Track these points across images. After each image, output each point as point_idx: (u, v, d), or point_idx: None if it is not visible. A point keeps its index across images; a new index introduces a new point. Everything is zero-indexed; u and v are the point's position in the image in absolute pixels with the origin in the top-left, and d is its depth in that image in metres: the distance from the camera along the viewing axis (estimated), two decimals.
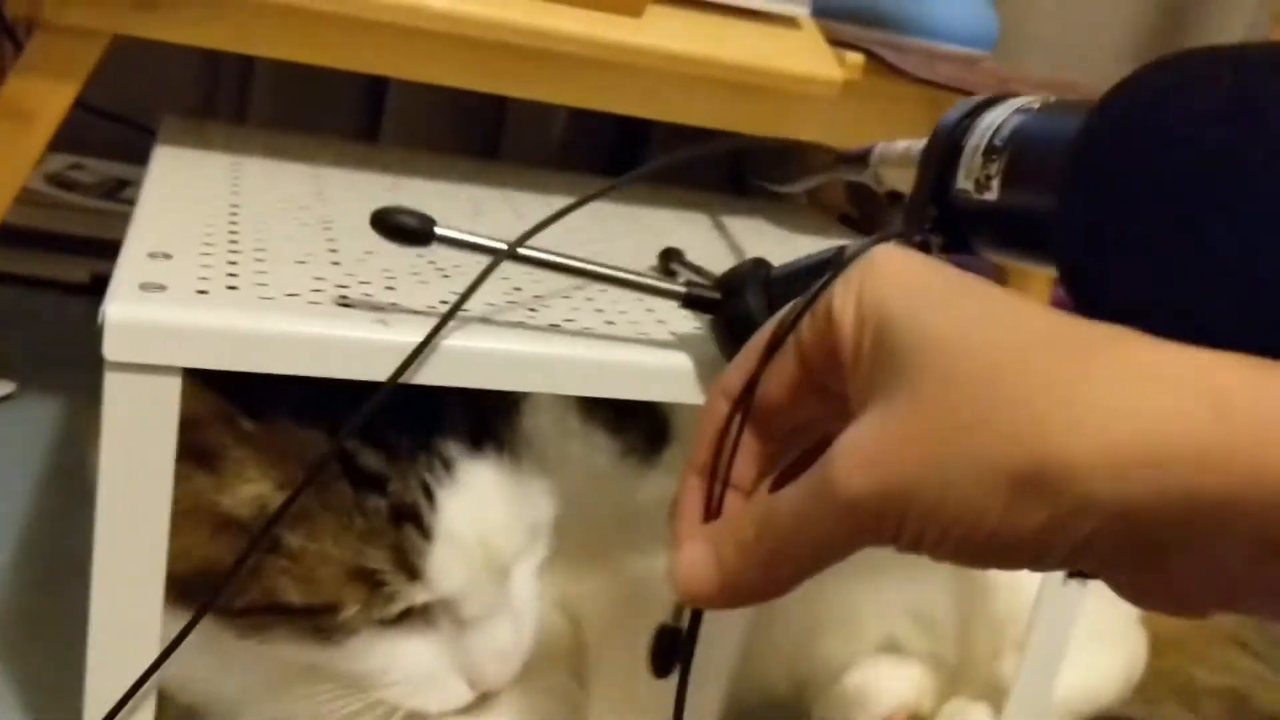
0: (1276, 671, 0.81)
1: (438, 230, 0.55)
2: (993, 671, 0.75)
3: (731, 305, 0.57)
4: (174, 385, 0.52)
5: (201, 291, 0.55)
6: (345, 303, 0.57)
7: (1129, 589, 0.36)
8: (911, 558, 0.78)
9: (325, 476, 0.54)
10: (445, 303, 0.60)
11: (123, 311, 0.51)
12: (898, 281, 0.39)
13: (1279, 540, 0.31)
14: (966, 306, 0.38)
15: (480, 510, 0.56)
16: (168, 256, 0.59)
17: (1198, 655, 0.83)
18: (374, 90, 1.29)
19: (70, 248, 1.23)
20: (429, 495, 0.55)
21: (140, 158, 1.30)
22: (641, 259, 0.75)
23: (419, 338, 0.55)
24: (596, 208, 0.87)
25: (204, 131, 0.87)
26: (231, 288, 0.56)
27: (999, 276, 1.03)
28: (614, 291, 0.67)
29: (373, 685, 0.58)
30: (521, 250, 0.56)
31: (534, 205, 0.85)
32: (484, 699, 0.61)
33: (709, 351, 0.59)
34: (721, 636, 0.68)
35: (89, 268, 1.22)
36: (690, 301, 0.58)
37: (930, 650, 0.80)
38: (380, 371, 0.54)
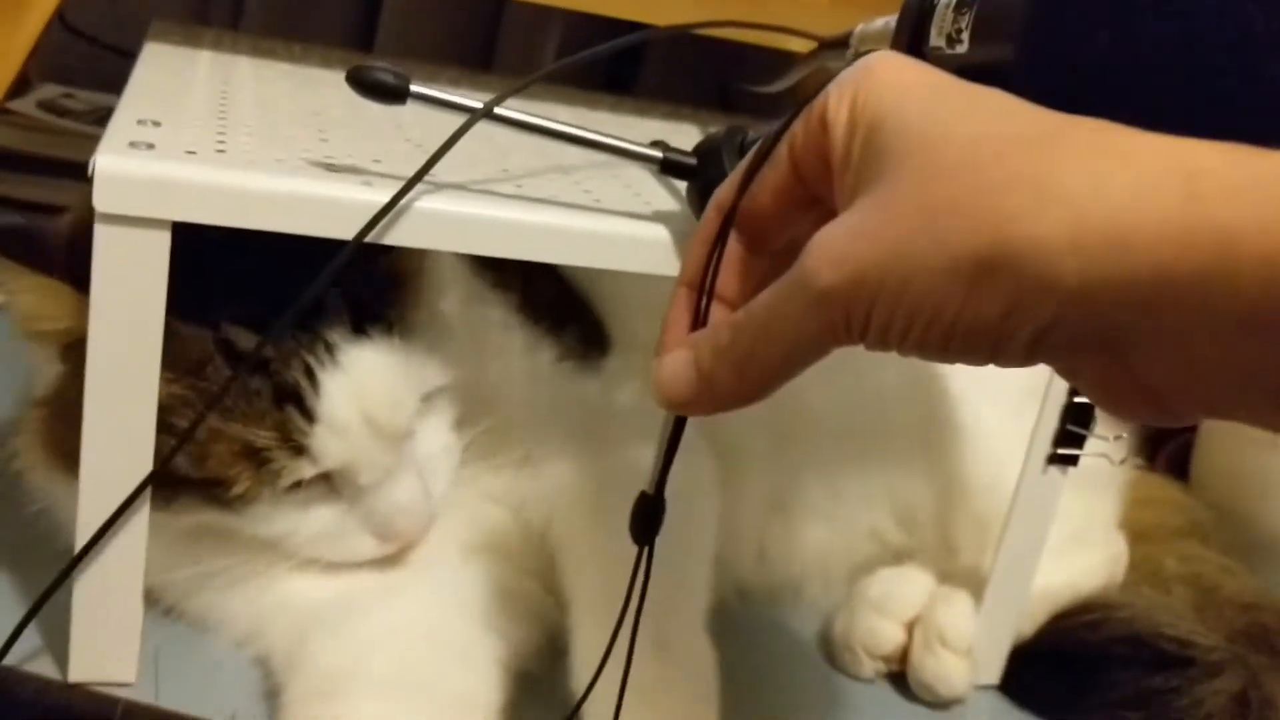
0: (1239, 563, 0.83)
1: (413, 88, 0.55)
2: (982, 568, 0.76)
3: (707, 170, 0.58)
4: (163, 239, 0.53)
5: (190, 152, 0.55)
6: (330, 166, 0.58)
7: (1097, 386, 0.36)
8: (895, 450, 0.79)
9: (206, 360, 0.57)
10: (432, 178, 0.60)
11: (112, 164, 0.52)
12: (892, 85, 0.39)
13: (1250, 317, 0.30)
14: (954, 104, 0.38)
15: (362, 390, 0.58)
16: (157, 124, 0.59)
17: (1166, 547, 0.84)
18: (368, 5, 1.29)
19: (62, 172, 1.23)
20: (311, 377, 0.58)
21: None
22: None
23: (444, 205, 0.56)
24: (586, 121, 0.88)
25: (194, 34, 0.88)
26: (220, 151, 0.57)
27: None
28: (594, 169, 0.68)
29: (281, 546, 0.62)
30: (498, 110, 0.57)
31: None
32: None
33: (684, 224, 0.60)
34: (700, 507, 0.69)
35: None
36: (667, 167, 0.59)
37: (910, 545, 0.81)
38: (391, 233, 0.55)
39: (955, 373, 0.83)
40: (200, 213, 0.53)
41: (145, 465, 0.56)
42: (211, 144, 0.58)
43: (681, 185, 0.63)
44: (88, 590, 0.58)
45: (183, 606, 0.66)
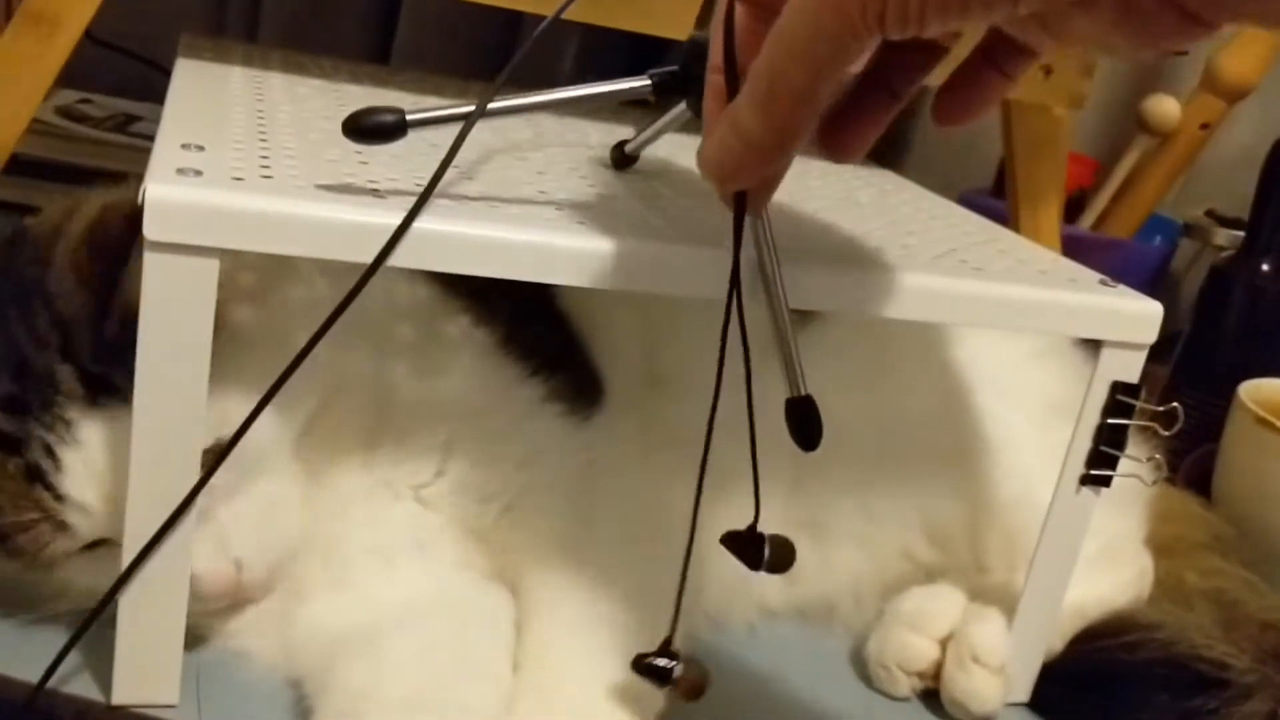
0: (1261, 579, 0.83)
1: (409, 117, 0.56)
2: (1012, 584, 0.77)
3: (695, 72, 0.58)
4: (212, 267, 0.53)
5: (237, 179, 0.55)
6: (376, 191, 0.58)
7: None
8: (925, 469, 0.80)
9: None
10: (487, 197, 0.61)
11: (162, 192, 0.52)
12: None
13: None
14: None
15: (99, 467, 0.58)
16: (200, 148, 0.59)
17: (1188, 561, 0.85)
18: (385, 15, 1.29)
19: (79, 179, 1.22)
20: (52, 456, 0.58)
21: (148, 95, 1.31)
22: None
23: (457, 226, 0.56)
24: (622, 121, 0.88)
25: (223, 48, 0.88)
26: (266, 177, 0.57)
27: (1005, 219, 1.04)
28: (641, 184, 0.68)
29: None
30: (492, 105, 0.58)
31: (550, 122, 0.85)
32: None
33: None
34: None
35: None
36: (660, 88, 0.59)
37: (942, 563, 0.81)
38: (413, 256, 0.55)
39: (984, 388, 0.83)
40: (251, 241, 0.53)
41: (195, 481, 0.56)
42: (256, 169, 0.58)
43: None
44: (132, 611, 0.58)
45: (214, 630, 0.67)
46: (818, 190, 0.83)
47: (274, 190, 0.55)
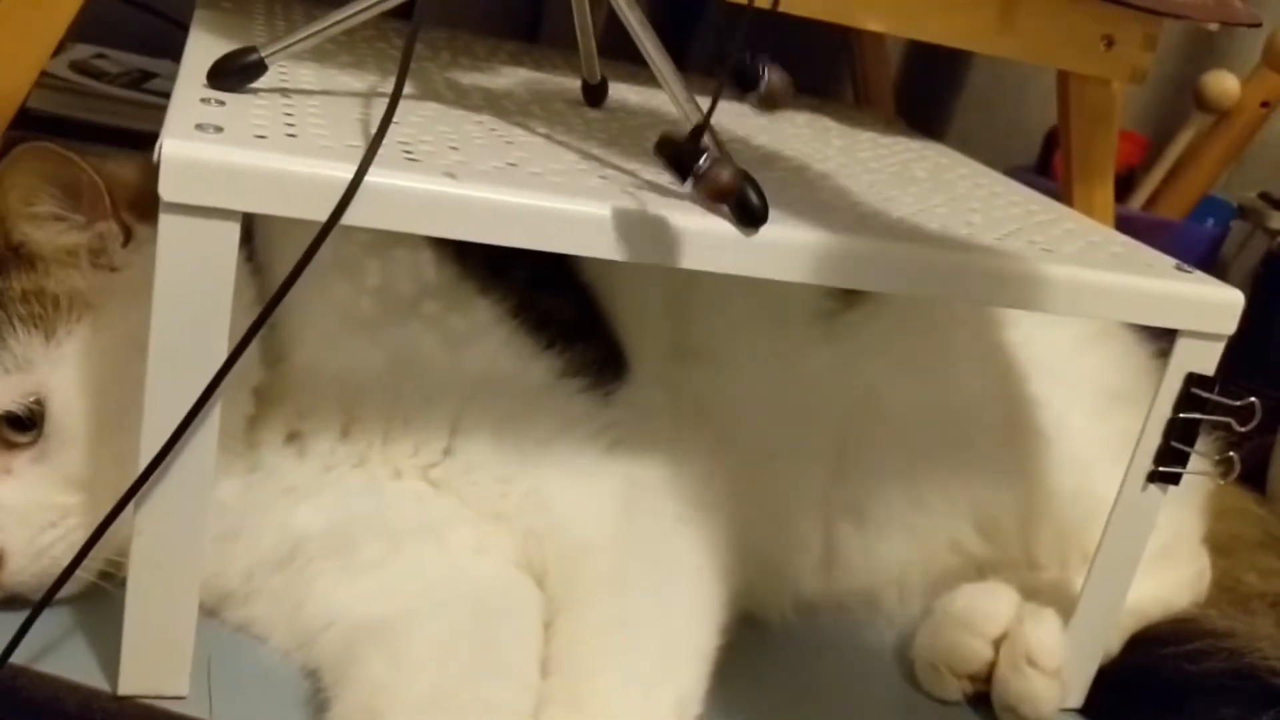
0: None
1: (265, 52, 0.56)
2: (1064, 581, 0.73)
3: None
4: (233, 231, 0.49)
5: (260, 136, 0.51)
6: (411, 156, 0.54)
7: None
8: (976, 457, 0.76)
9: None
10: (513, 164, 0.56)
11: (180, 149, 0.48)
12: None
13: None
14: None
15: None
16: (221, 103, 0.55)
17: (1246, 561, 0.81)
18: None
19: (92, 135, 1.19)
20: None
21: (165, 51, 1.27)
22: None
23: (488, 193, 0.52)
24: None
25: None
26: (291, 136, 0.53)
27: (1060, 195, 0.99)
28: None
29: None
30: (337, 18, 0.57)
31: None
32: None
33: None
34: (701, 523, 0.67)
35: None
36: None
37: (991, 557, 0.77)
38: (450, 225, 0.51)
39: (1037, 373, 0.79)
40: (274, 204, 0.49)
41: (208, 467, 0.52)
42: (280, 127, 0.53)
43: None
44: (141, 597, 0.55)
45: (227, 614, 0.63)
46: (869, 163, 0.79)
47: (300, 150, 0.50)
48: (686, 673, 0.59)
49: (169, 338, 0.50)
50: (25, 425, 0.58)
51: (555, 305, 0.69)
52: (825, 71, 1.39)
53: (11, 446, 0.58)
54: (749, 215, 0.55)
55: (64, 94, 1.20)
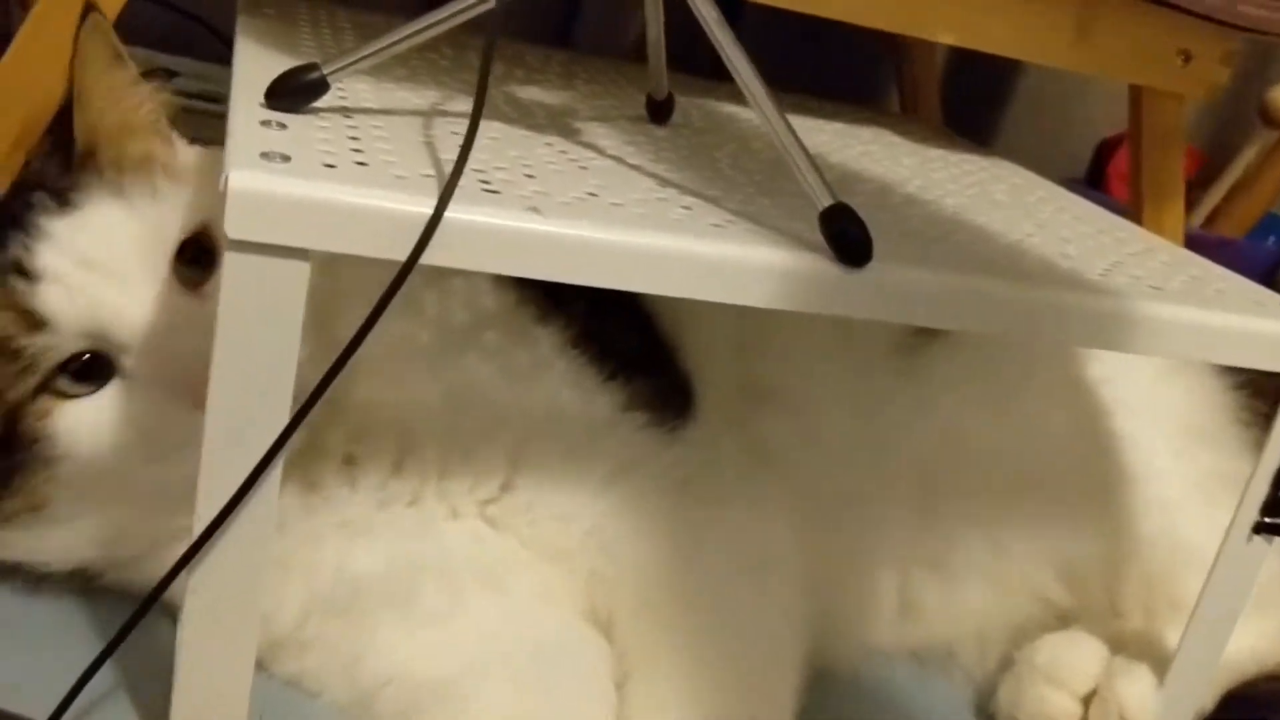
0: None
1: (327, 70, 0.53)
2: (1151, 633, 0.69)
3: None
4: (304, 272, 0.45)
5: (329, 165, 0.47)
6: (490, 187, 0.50)
7: None
8: (1059, 500, 0.72)
9: None
10: (593, 194, 0.52)
11: (249, 181, 0.43)
12: None
13: None
14: None
15: (74, 237, 0.55)
16: (283, 126, 0.51)
17: None
18: None
19: None
20: (27, 251, 0.55)
21: (188, 50, 1.22)
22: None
23: (576, 229, 0.48)
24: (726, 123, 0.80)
25: (287, 7, 0.79)
26: (360, 164, 0.48)
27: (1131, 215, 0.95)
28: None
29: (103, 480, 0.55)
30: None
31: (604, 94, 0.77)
32: None
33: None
34: (772, 580, 0.63)
35: None
36: None
37: (1074, 605, 0.73)
38: (538, 265, 0.47)
39: (1118, 411, 0.75)
40: (351, 243, 0.45)
41: (268, 528, 0.48)
42: (348, 153, 0.49)
43: None
44: (194, 657, 0.50)
45: (278, 666, 0.59)
46: (946, 184, 0.75)
47: (374, 182, 0.46)
48: None
49: (230, 389, 0.46)
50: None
51: (618, 335, 0.65)
52: (866, 79, 1.35)
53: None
54: (851, 251, 0.51)
55: None
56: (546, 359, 0.63)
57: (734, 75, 0.53)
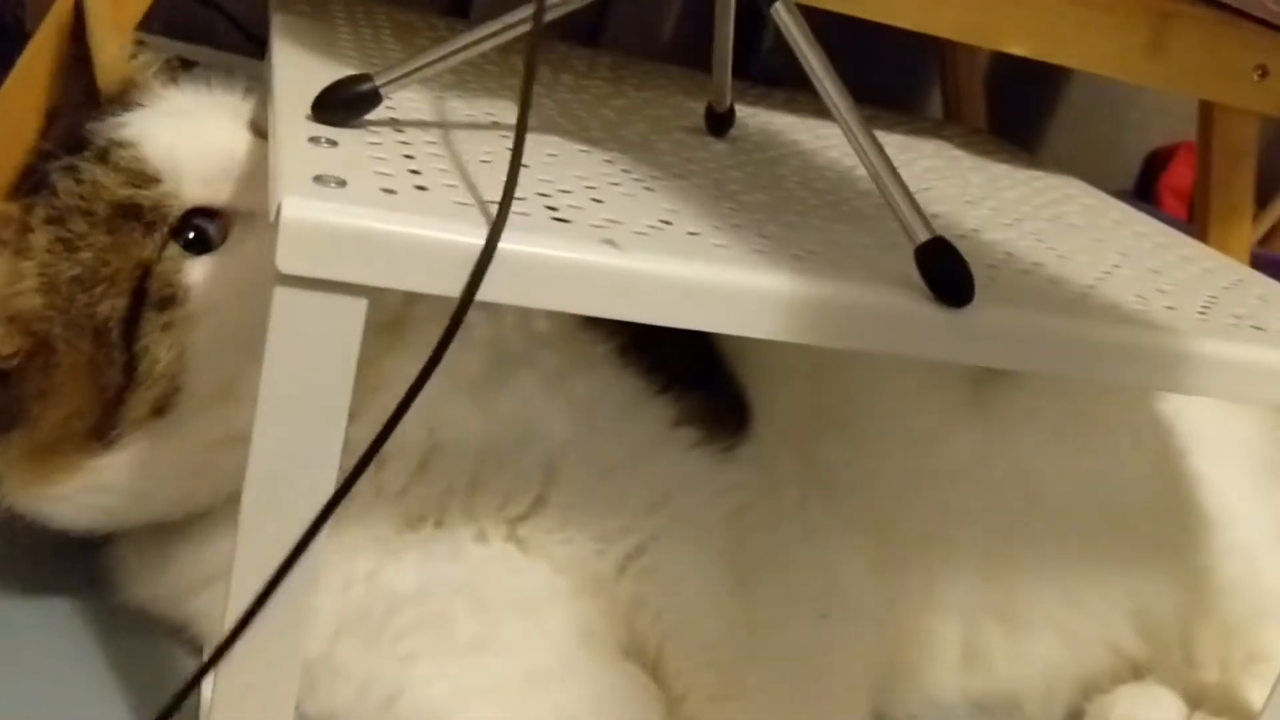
0: None
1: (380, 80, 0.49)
2: (1228, 685, 0.65)
3: None
4: (361, 310, 0.41)
5: (388, 190, 0.43)
6: (558, 215, 0.46)
7: None
8: (1134, 545, 0.68)
9: None
10: (667, 222, 0.48)
11: (304, 211, 0.39)
12: None
13: None
14: None
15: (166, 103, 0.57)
16: (333, 143, 0.47)
17: None
18: None
19: None
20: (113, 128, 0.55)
21: (205, 38, 1.18)
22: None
23: (659, 265, 0.43)
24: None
25: (321, 5, 0.75)
26: (420, 188, 0.44)
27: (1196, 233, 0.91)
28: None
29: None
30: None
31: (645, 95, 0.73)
32: None
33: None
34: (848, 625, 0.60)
35: None
36: None
37: (1148, 656, 0.69)
38: (615, 304, 0.43)
39: (1193, 449, 0.71)
40: (416, 278, 0.41)
41: (307, 607, 0.44)
42: (405, 175, 0.45)
43: None
44: (234, 684, 0.46)
45: (308, 704, 0.55)
46: (1019, 205, 0.70)
47: (436, 211, 0.42)
48: None
49: (280, 421, 0.42)
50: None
51: (670, 346, 0.61)
52: (908, 80, 1.31)
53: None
54: (952, 291, 0.47)
55: None
56: (589, 366, 0.59)
57: (826, 101, 0.49)
